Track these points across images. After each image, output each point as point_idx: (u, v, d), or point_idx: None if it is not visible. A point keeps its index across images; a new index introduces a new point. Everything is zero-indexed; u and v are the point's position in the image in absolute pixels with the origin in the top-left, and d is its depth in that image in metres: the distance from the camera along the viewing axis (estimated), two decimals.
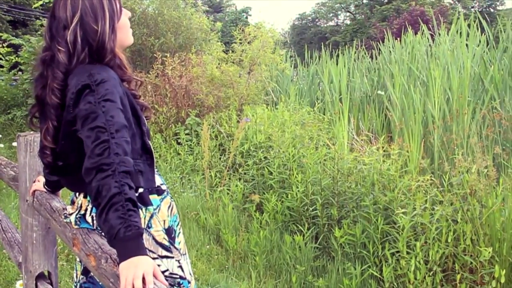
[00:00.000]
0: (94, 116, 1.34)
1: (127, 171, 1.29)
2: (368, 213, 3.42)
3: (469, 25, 6.73)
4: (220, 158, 5.50)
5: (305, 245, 3.61)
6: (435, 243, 2.98)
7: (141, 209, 1.54)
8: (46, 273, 2.15)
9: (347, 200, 3.82)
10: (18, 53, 9.81)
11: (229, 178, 5.00)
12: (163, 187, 1.67)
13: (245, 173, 4.95)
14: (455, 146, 4.11)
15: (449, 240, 3.00)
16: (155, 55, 7.68)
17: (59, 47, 1.46)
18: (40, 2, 10.66)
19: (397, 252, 3.12)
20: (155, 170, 1.68)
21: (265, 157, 4.83)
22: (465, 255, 2.98)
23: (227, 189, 4.75)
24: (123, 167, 1.28)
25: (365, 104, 7.03)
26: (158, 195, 1.62)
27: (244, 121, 4.92)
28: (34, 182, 2.04)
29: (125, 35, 1.58)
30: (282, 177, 4.48)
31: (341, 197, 3.86)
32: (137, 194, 1.53)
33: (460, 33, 6.56)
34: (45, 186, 1.92)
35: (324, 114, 6.58)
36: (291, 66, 10.31)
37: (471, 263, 2.94)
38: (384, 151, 3.90)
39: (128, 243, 1.20)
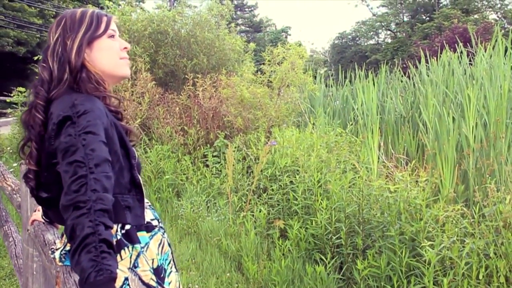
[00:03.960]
0: (74, 149, 1.27)
1: (104, 209, 1.21)
2: (393, 244, 3.22)
3: None
4: (246, 182, 5.39)
5: (328, 276, 3.44)
6: (464, 280, 2.77)
7: (128, 247, 1.45)
8: None
9: (373, 228, 3.64)
10: None
11: (255, 203, 4.88)
12: (154, 222, 1.58)
13: (270, 198, 4.82)
14: (487, 174, 3.85)
15: (480, 277, 2.78)
16: (186, 76, 7.73)
17: (43, 64, 1.47)
18: None
19: (424, 287, 2.92)
20: (148, 204, 1.61)
21: (291, 182, 4.68)
22: None
23: (251, 214, 4.63)
24: (100, 204, 1.21)
25: (399, 126, 6.78)
26: (148, 231, 1.54)
27: (269, 145, 4.80)
28: (35, 211, 2.00)
29: (108, 58, 1.52)
30: (306, 202, 4.33)
31: (366, 225, 3.68)
32: (124, 231, 1.46)
33: (499, 51, 6.23)
34: (43, 217, 1.87)
35: (357, 136, 6.36)
36: (326, 86, 10.15)
37: None
38: (416, 175, 3.69)
39: None
